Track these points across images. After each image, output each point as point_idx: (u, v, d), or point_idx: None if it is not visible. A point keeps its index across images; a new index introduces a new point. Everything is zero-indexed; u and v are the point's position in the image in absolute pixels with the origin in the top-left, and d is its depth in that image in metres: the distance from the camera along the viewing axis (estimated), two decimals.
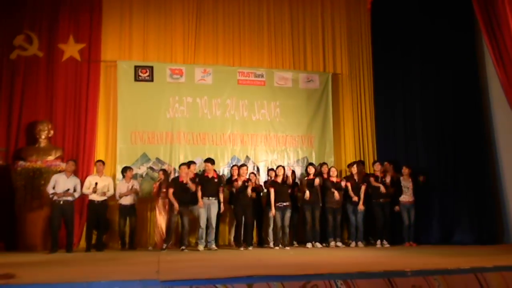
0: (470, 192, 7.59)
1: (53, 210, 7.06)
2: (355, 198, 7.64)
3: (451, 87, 7.94)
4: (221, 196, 7.44)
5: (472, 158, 7.64)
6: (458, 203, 7.62)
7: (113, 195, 7.60)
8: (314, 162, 8.40)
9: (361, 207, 7.63)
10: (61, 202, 7.00)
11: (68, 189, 7.00)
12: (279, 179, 7.60)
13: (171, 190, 7.27)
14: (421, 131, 8.17)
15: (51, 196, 7.00)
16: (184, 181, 7.23)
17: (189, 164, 7.62)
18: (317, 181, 7.57)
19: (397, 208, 7.66)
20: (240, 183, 7.39)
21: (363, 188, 7.70)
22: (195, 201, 7.25)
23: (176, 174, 7.90)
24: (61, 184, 7.05)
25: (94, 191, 7.24)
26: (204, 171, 7.58)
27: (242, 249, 7.20)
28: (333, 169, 7.91)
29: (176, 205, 7.20)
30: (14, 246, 7.50)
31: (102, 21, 8.64)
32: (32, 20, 8.40)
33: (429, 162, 7.97)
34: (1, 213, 7.66)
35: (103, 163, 7.65)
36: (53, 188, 7.01)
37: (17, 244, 7.51)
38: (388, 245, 7.52)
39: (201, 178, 7.40)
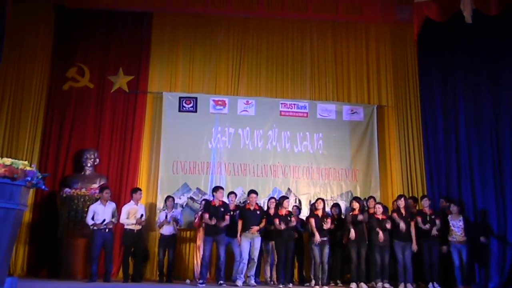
0: None
1: (94, 239, 7.08)
2: (402, 225, 7.13)
3: (509, 119, 7.47)
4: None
5: None
6: None
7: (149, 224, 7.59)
8: (359, 197, 8.03)
9: (414, 247, 7.13)
10: (103, 231, 7.04)
11: (104, 220, 7.05)
12: (319, 213, 7.30)
13: (206, 215, 6.92)
14: (477, 166, 7.65)
15: (91, 227, 7.07)
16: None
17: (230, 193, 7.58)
18: (360, 217, 7.22)
19: (444, 248, 7.15)
20: (282, 225, 7.01)
21: (412, 225, 7.24)
22: (232, 233, 7.06)
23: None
24: (100, 213, 7.12)
25: (139, 223, 7.22)
26: (245, 203, 7.39)
27: (281, 286, 6.89)
28: (378, 206, 7.49)
29: (213, 222, 6.76)
30: (56, 273, 7.57)
31: (151, 54, 8.90)
32: (85, 53, 8.80)
33: (486, 199, 7.42)
34: (46, 239, 7.84)
35: (141, 191, 7.68)
36: (92, 219, 7.09)
37: (59, 271, 7.57)
38: None
39: (243, 211, 7.21)
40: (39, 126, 8.44)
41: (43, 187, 4.31)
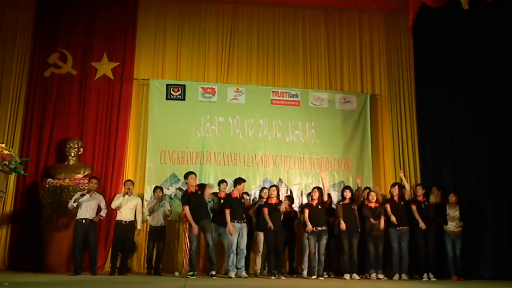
0: None
1: (76, 230, 6.82)
2: (394, 218, 7.00)
3: (505, 108, 7.33)
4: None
5: None
6: None
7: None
8: (351, 187, 7.86)
9: (422, 225, 7.00)
10: (84, 221, 6.77)
11: (84, 194, 6.79)
12: (315, 202, 7.09)
13: (186, 208, 6.63)
14: (472, 156, 7.51)
15: (74, 205, 6.76)
16: (206, 196, 6.81)
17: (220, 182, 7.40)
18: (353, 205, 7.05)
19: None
20: (269, 222, 6.85)
21: (414, 208, 7.10)
22: (222, 221, 6.83)
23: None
24: (83, 200, 6.83)
25: (127, 193, 7.00)
26: (231, 192, 7.14)
27: (273, 278, 6.70)
28: (372, 194, 7.34)
29: (195, 226, 6.52)
30: (39, 266, 7.26)
31: (137, 40, 8.58)
32: (67, 38, 8.43)
33: (481, 190, 7.30)
34: (28, 231, 7.53)
35: (133, 182, 7.39)
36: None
37: (42, 265, 7.26)
38: (434, 279, 6.85)
39: (230, 199, 6.93)
40: (20, 115, 8.07)
41: (23, 172, 4.01)
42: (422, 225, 6.97)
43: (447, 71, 8.14)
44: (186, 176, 6.85)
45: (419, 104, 8.59)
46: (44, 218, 7.35)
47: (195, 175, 6.97)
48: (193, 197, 6.67)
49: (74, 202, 6.80)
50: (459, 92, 7.96)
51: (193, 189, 6.73)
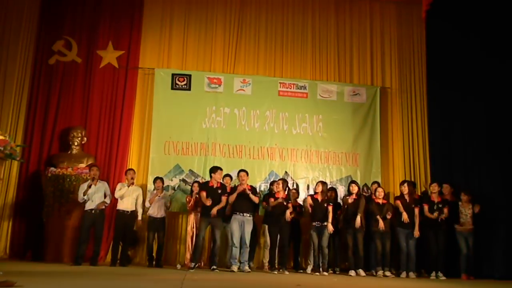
0: None
1: (84, 220, 6.75)
2: (405, 216, 6.79)
3: None
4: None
5: None
6: None
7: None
8: (359, 182, 7.67)
9: (416, 233, 6.81)
10: (93, 212, 6.68)
11: (90, 185, 6.71)
12: (319, 196, 6.91)
13: (203, 193, 6.53)
14: (484, 151, 7.24)
15: (85, 198, 6.69)
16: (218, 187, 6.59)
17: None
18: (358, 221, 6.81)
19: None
20: (274, 200, 6.68)
21: (416, 211, 6.88)
22: (227, 218, 6.72)
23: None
24: (91, 191, 6.74)
25: (132, 183, 6.90)
26: (236, 184, 7.00)
27: (276, 272, 6.55)
28: (379, 190, 7.13)
29: (207, 200, 6.42)
30: (41, 256, 7.19)
31: (142, 28, 8.47)
32: (72, 26, 8.33)
33: (493, 186, 7.04)
34: (30, 220, 7.47)
35: (135, 171, 7.29)
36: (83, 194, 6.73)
37: (44, 254, 7.20)
38: (443, 277, 6.65)
39: (233, 192, 6.77)
40: (23, 103, 8.01)
41: (18, 158, 3.87)
42: (416, 233, 6.77)
43: (460, 65, 7.87)
44: (215, 170, 6.68)
45: (430, 98, 8.38)
46: (46, 207, 7.28)
47: (222, 171, 6.82)
48: (210, 191, 6.55)
49: (83, 195, 6.71)
50: (471, 86, 7.68)
51: (215, 184, 6.60)
